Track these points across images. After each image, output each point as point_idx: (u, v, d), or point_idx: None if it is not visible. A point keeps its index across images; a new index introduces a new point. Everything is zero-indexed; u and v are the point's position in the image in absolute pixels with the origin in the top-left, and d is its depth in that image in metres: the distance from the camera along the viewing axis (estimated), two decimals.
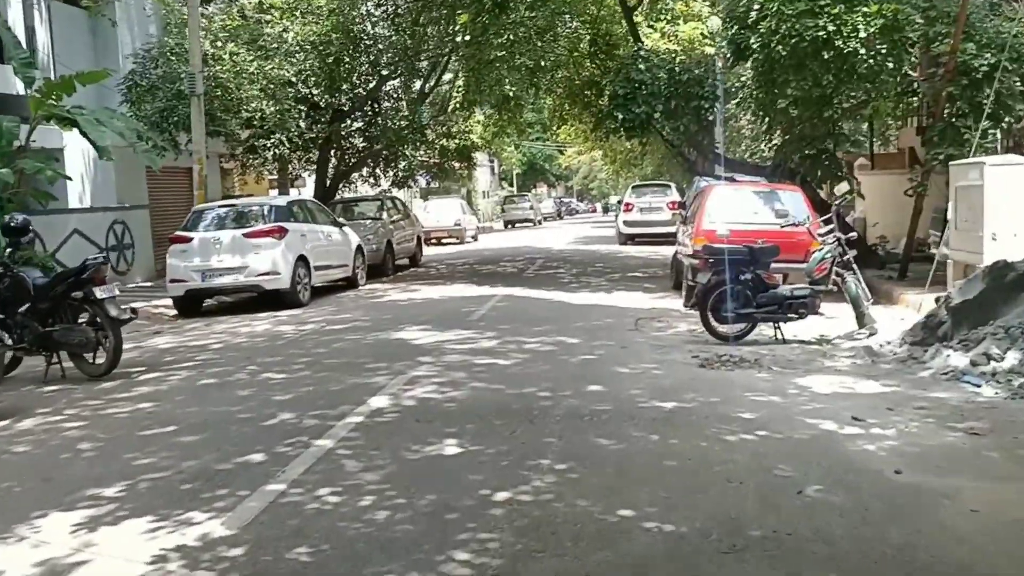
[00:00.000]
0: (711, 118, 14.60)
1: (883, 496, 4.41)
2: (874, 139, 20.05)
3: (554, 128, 23.20)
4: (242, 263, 13.38)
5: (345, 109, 20.72)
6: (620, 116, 14.60)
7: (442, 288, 15.62)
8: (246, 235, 13.51)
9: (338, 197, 21.09)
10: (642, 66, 14.44)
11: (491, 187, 65.37)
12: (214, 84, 16.89)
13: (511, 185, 68.07)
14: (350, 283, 16.51)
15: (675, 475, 4.83)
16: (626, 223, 26.74)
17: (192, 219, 14.07)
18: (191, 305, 13.79)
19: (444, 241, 32.29)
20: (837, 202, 9.67)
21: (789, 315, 9.03)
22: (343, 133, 21.53)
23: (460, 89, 16.02)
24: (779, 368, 7.72)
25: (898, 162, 19.09)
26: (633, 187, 28.41)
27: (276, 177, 24.50)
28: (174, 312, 13.79)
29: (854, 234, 11.09)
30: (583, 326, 10.36)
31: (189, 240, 13.58)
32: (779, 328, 9.14)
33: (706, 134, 16.13)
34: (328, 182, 21.46)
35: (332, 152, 21.45)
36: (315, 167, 21.67)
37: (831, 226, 9.55)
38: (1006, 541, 3.94)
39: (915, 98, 13.90)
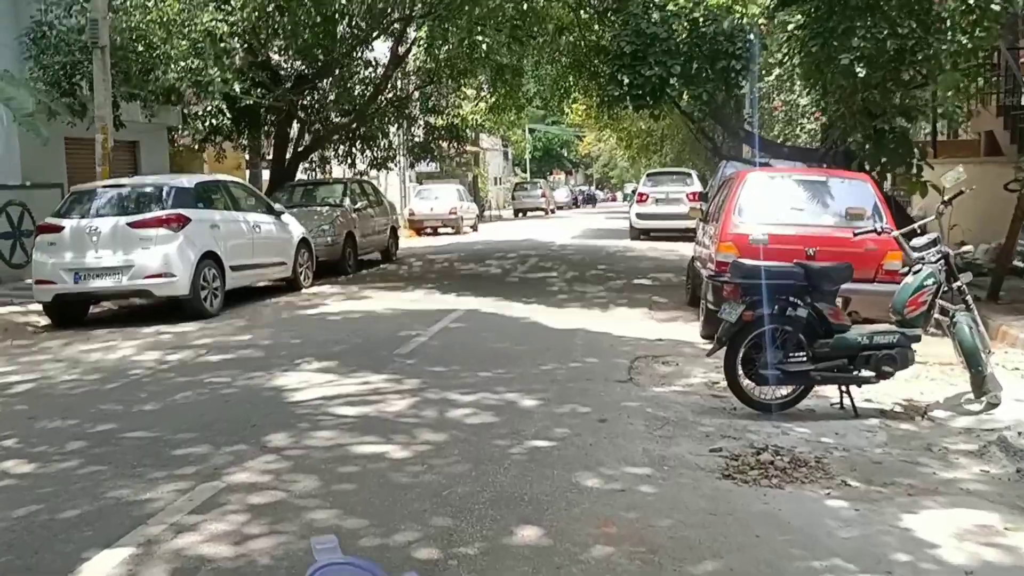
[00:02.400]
0: (743, 84, 11.22)
1: None
2: (938, 120, 16.56)
3: (556, 102, 19.89)
4: (125, 261, 10.25)
5: (308, 76, 17.54)
6: (625, 80, 11.31)
7: (398, 296, 12.42)
8: (132, 225, 10.37)
9: (297, 180, 17.86)
10: (655, 16, 11.12)
11: (503, 173, 62.10)
12: (131, 36, 13.76)
13: (525, 171, 64.72)
14: (291, 285, 13.38)
15: None
16: (639, 216, 23.42)
17: (68, 203, 10.94)
18: (68, 312, 10.71)
19: (440, 231, 29.13)
20: (946, 199, 6.37)
21: (865, 375, 5.77)
22: (306, 104, 18.35)
23: (423, 42, 12.62)
24: (862, 483, 4.48)
25: (969, 150, 15.64)
26: (648, 175, 25.05)
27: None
28: (47, 321, 10.72)
29: (969, 248, 7.76)
30: (554, 372, 7.14)
31: (59, 230, 10.45)
32: (847, 392, 5.89)
33: (735, 106, 12.80)
34: (287, 162, 18.26)
35: (293, 127, 18.24)
36: (273, 144, 18.53)
37: (932, 236, 6.23)
38: None
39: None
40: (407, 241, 25.91)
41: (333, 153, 21.62)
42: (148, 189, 10.96)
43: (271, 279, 13.02)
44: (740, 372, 5.81)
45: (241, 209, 12.19)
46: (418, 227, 28.96)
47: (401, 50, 15.58)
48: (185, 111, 16.18)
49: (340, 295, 12.72)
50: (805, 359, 5.74)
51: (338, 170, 24.23)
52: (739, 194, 8.46)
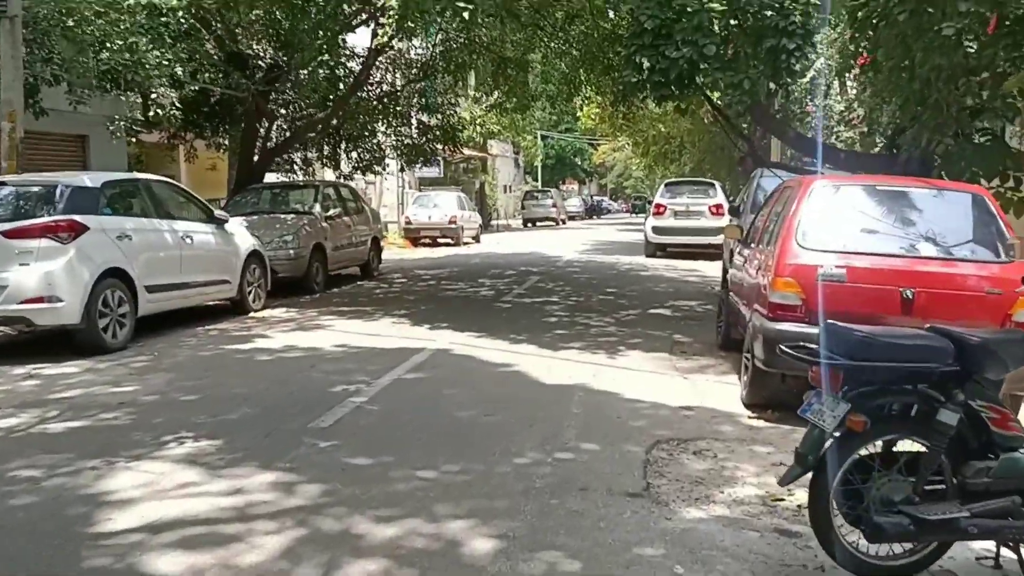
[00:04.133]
0: (796, 68, 8.80)
1: None
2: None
3: (565, 100, 17.56)
4: None
5: (281, 64, 15.25)
6: (646, 63, 8.94)
7: (359, 326, 10.07)
8: (6, 234, 8.06)
9: (262, 183, 15.53)
10: None
11: (514, 181, 59.76)
12: (58, 8, 11.51)
13: (536, 180, 62.40)
14: (236, 307, 11.07)
15: None
16: (656, 230, 21.02)
17: None
18: None
19: (439, 241, 26.83)
20: None
21: None
22: (276, 97, 16.06)
23: (392, 17, 10.29)
24: None
25: None
26: (666, 185, 22.65)
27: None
28: None
29: None
30: (532, 471, 4.76)
31: None
32: (1019, 548, 3.49)
33: (784, 99, 10.38)
34: (254, 162, 15.96)
35: (262, 122, 15.94)
36: (240, 141, 16.24)
37: None
38: None
39: None
40: (400, 253, 23.67)
41: (317, 154, 19.33)
42: (36, 189, 8.63)
43: (210, 300, 10.70)
44: (836, 511, 3.43)
45: (167, 216, 9.87)
46: (414, 237, 26.67)
47: (379, 33, 13.27)
48: (148, 102, 13.89)
49: (290, 323, 10.38)
50: (951, 496, 3.36)
51: (322, 174, 21.98)
52: (801, 210, 6.07)
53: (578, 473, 4.71)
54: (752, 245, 7.47)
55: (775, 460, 5.02)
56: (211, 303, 10.90)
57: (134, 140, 17.67)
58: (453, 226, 26.53)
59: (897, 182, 6.54)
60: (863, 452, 3.47)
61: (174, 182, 10.59)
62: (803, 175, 9.24)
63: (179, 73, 11.88)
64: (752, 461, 5.01)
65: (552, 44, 17.00)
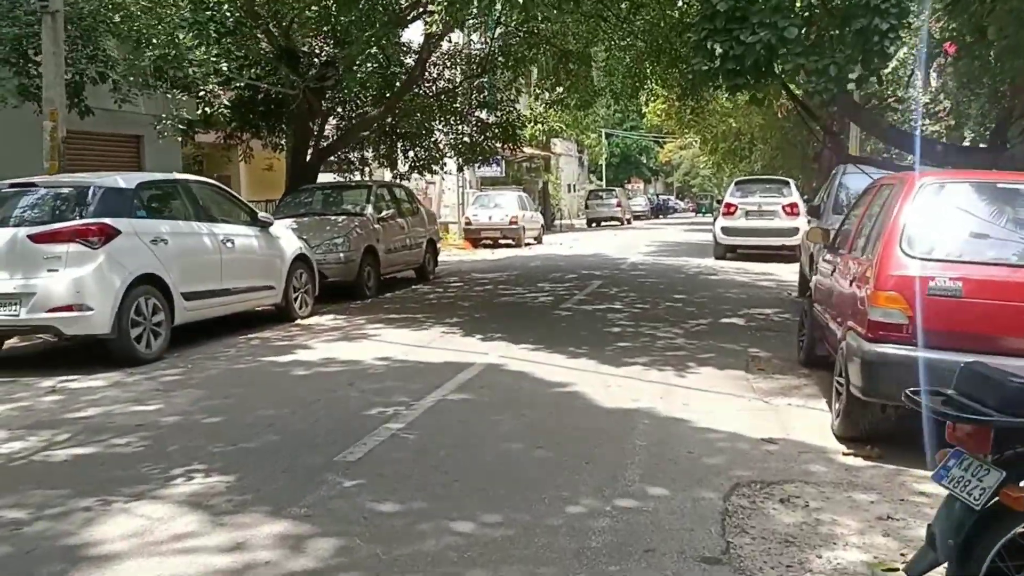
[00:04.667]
0: (889, 52, 7.82)
1: None
2: None
3: (629, 95, 16.71)
4: (24, 287, 7.52)
5: (334, 61, 14.74)
6: (718, 50, 8.08)
7: (408, 336, 9.44)
8: (34, 238, 7.64)
9: (313, 184, 15.04)
10: None
11: (578, 180, 58.86)
12: (104, 4, 11.16)
13: (600, 179, 61.40)
14: (282, 313, 10.57)
15: None
16: (725, 231, 19.98)
17: None
18: None
19: (500, 242, 26.21)
20: None
21: None
22: (330, 94, 15.57)
23: (440, 5, 9.61)
24: None
25: None
26: (736, 183, 21.57)
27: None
28: None
29: None
30: (586, 523, 4.01)
31: None
32: None
33: (877, 87, 9.39)
34: (307, 162, 15.49)
35: (316, 121, 15.46)
36: (292, 141, 15.80)
37: None
38: None
39: None
40: (459, 254, 23.11)
41: (373, 154, 18.84)
42: (66, 191, 8.18)
43: (254, 307, 10.20)
44: None
45: (207, 218, 9.38)
46: (474, 238, 26.10)
47: (428, 22, 12.62)
48: (199, 101, 13.46)
49: (336, 332, 9.80)
50: None
51: (380, 174, 21.55)
52: (905, 211, 5.17)
53: (642, 528, 3.94)
54: (842, 251, 6.58)
55: (880, 513, 4.18)
56: (256, 310, 10.41)
57: (190, 140, 17.48)
58: (514, 227, 25.88)
59: (1016, 179, 5.58)
60: (1020, 529, 2.65)
61: (216, 183, 10.10)
62: (898, 171, 8.30)
63: (224, 69, 11.41)
64: (853, 513, 4.17)
65: (616, 36, 16.15)
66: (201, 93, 12.23)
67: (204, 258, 9.03)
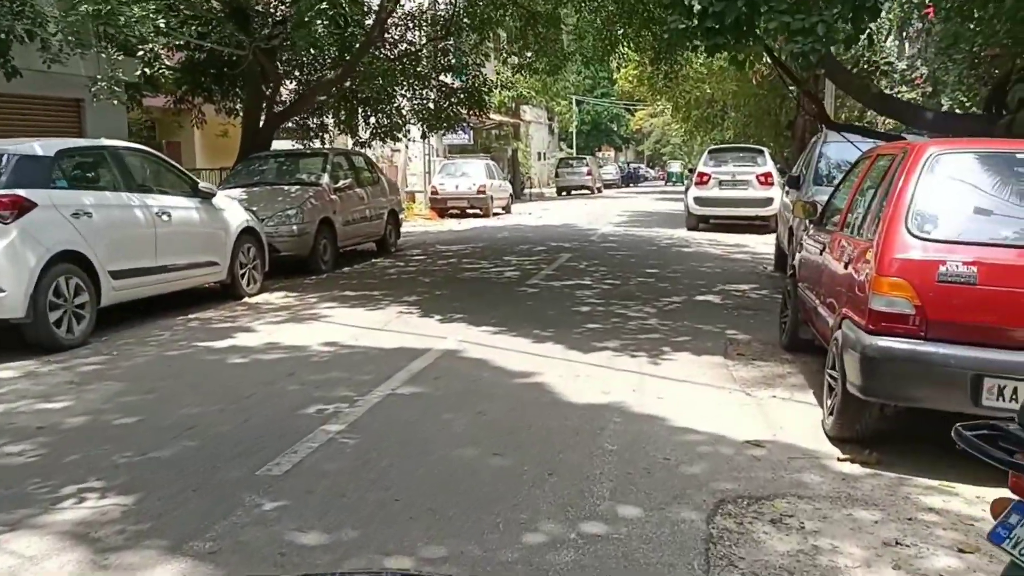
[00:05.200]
0: (880, 7, 7.16)
1: None
2: None
3: (600, 58, 15.91)
4: None
5: (285, 20, 13.82)
6: (696, 6, 7.38)
7: (360, 317, 8.75)
8: None
9: (265, 152, 14.17)
10: None
11: (548, 148, 58.05)
12: None
13: (571, 147, 60.62)
14: (228, 291, 9.83)
15: None
16: (698, 200, 19.39)
17: None
18: None
19: (468, 212, 25.45)
20: None
21: None
22: (285, 56, 14.68)
23: None
24: None
25: None
26: (710, 151, 20.96)
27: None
28: None
29: None
30: (547, 552, 3.38)
31: None
32: None
33: (865, 49, 8.74)
34: (260, 128, 14.61)
35: (269, 85, 14.55)
36: (243, 106, 14.91)
37: None
38: None
39: None
40: (425, 225, 22.36)
41: (333, 120, 17.97)
42: None
43: (195, 285, 9.43)
44: None
45: (140, 189, 8.58)
46: (441, 208, 25.31)
47: None
48: (139, 61, 12.50)
49: (284, 311, 9.09)
50: None
51: (344, 141, 20.67)
52: (912, 186, 4.56)
53: (613, 562, 3.33)
54: (831, 228, 5.98)
55: (887, 536, 3.60)
56: (203, 287, 9.64)
57: (137, 105, 16.50)
58: (482, 196, 25.13)
59: None
60: None
61: (150, 150, 9.27)
62: (889, 140, 7.71)
63: (163, 25, 10.51)
64: (855, 538, 3.59)
65: None
66: (140, 52, 11.31)
67: (135, 232, 8.24)
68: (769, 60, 8.42)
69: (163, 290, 8.74)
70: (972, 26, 9.29)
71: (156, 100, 17.38)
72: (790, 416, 5.31)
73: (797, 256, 7.28)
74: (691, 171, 26.95)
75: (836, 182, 10.23)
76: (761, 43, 8.20)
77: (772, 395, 5.80)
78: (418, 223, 23.21)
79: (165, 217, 8.63)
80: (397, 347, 7.17)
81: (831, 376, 4.98)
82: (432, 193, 25.77)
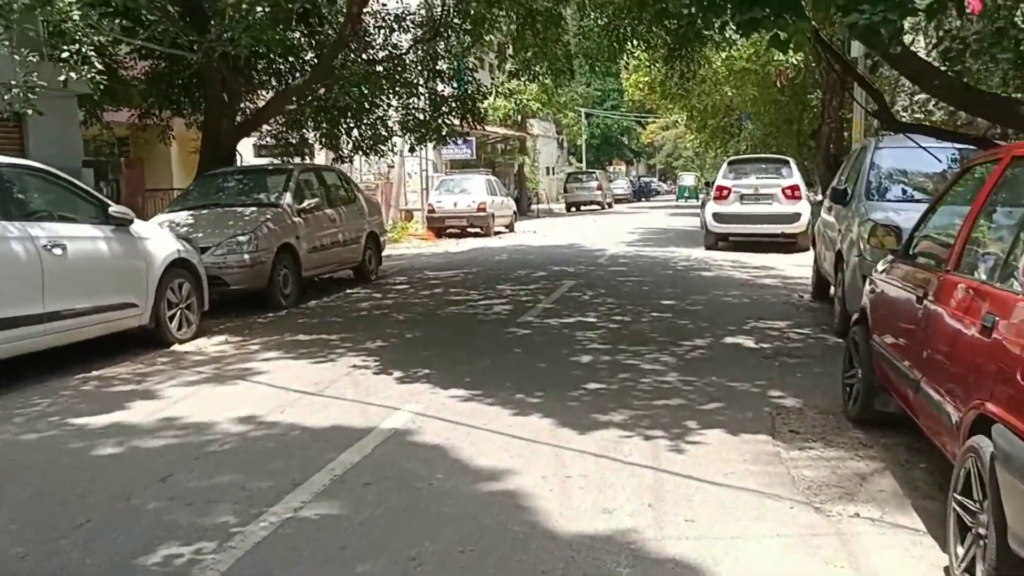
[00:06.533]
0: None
1: None
2: None
3: (607, 59, 14.09)
4: None
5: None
6: None
7: (303, 372, 6.95)
8: None
9: (221, 169, 12.39)
10: None
11: (557, 162, 56.38)
12: None
13: (581, 161, 58.90)
14: (153, 337, 8.05)
15: None
16: (717, 217, 17.55)
17: None
18: None
19: (468, 231, 23.72)
20: None
21: None
22: (257, 65, 12.98)
23: None
24: None
25: None
26: (729, 163, 19.13)
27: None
28: None
29: None
30: None
31: None
32: None
33: (936, 31, 6.86)
34: (220, 141, 12.87)
35: (227, 92, 12.78)
36: (203, 117, 13.19)
37: None
38: None
39: None
40: (420, 246, 20.63)
41: (314, 134, 16.24)
42: None
43: (104, 332, 7.62)
44: None
45: (22, 216, 6.82)
46: (438, 227, 23.59)
47: None
48: (63, 64, 10.83)
49: (212, 365, 7.30)
50: None
51: (321, 157, 19.00)
52: None
53: None
54: (934, 265, 4.14)
55: None
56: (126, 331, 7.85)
57: (95, 120, 14.83)
58: (482, 214, 23.40)
59: None
60: None
61: (42, 167, 7.50)
62: (983, 146, 5.87)
63: (94, 20, 8.84)
64: None
65: None
66: (65, 55, 9.58)
67: (11, 271, 6.47)
68: (816, 44, 6.61)
69: (56, 342, 6.94)
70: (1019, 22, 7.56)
71: (116, 114, 15.77)
72: (894, 561, 3.44)
73: (866, 296, 5.43)
74: (707, 185, 25.16)
75: (893, 196, 8.42)
76: (807, 20, 6.36)
77: (854, 513, 3.93)
78: (412, 244, 21.49)
79: (57, 250, 6.85)
80: (331, 426, 5.34)
81: (964, 509, 3.13)
82: (429, 211, 24.07)
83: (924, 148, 6.72)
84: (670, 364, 7.02)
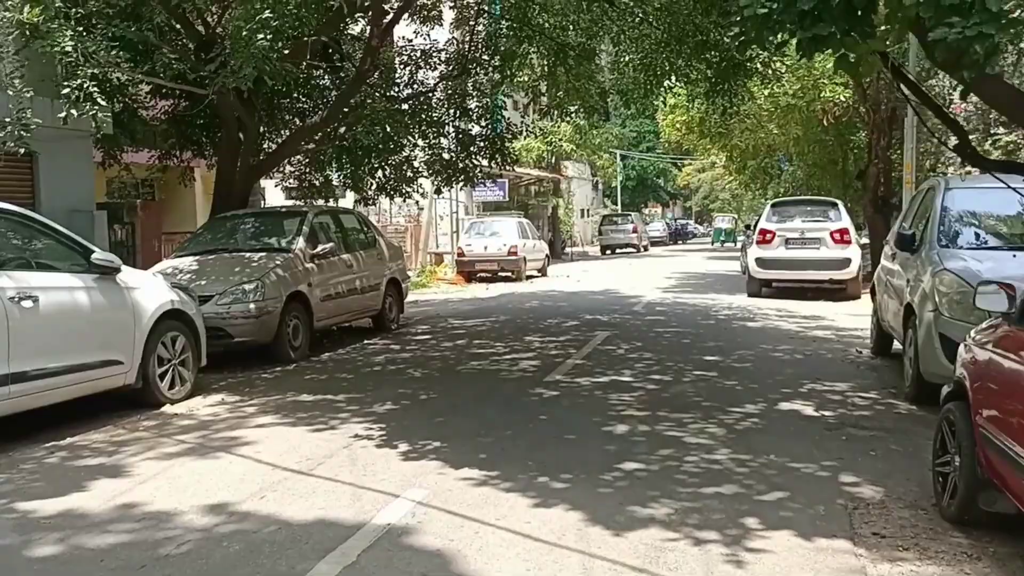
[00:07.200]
0: None
1: None
2: None
3: (644, 95, 13.30)
4: None
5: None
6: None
7: (300, 444, 6.10)
8: None
9: (233, 212, 11.70)
10: None
11: (592, 205, 55.73)
12: None
13: (615, 203, 58.22)
14: (138, 397, 7.26)
15: None
16: (760, 262, 16.55)
17: None
18: None
19: (499, 275, 22.92)
20: None
21: None
22: (279, 102, 12.40)
23: None
24: None
25: None
26: (773, 205, 18.15)
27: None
28: None
29: None
30: None
31: None
32: None
33: None
34: (235, 182, 12.22)
35: (243, 131, 12.18)
36: (217, 157, 12.60)
37: None
38: None
39: None
40: (448, 291, 19.85)
41: (338, 175, 15.60)
42: None
43: (83, 393, 6.84)
44: None
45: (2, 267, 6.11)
46: (468, 271, 22.82)
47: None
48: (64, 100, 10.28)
49: (199, 432, 6.47)
50: None
51: (347, 200, 18.39)
52: None
53: None
54: None
55: None
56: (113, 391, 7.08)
57: (114, 161, 14.30)
58: (513, 258, 22.62)
59: None
60: None
61: (16, 209, 6.81)
62: None
63: (91, 51, 8.26)
64: None
65: (625, 24, 12.87)
66: (65, 91, 9.00)
67: None
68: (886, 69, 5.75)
69: (18, 407, 6.14)
70: None
71: (136, 155, 15.28)
72: None
73: (962, 366, 4.46)
74: (747, 228, 24.16)
75: (966, 243, 7.46)
76: (881, 40, 5.46)
77: None
78: (441, 288, 20.72)
79: (27, 303, 6.11)
80: (314, 519, 4.46)
81: None
82: (459, 255, 23.35)
83: (1014, 189, 5.75)
84: (719, 437, 6.06)
